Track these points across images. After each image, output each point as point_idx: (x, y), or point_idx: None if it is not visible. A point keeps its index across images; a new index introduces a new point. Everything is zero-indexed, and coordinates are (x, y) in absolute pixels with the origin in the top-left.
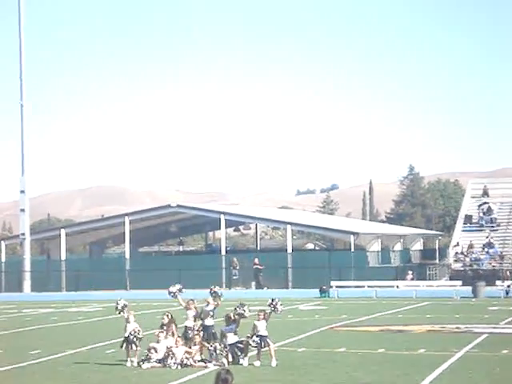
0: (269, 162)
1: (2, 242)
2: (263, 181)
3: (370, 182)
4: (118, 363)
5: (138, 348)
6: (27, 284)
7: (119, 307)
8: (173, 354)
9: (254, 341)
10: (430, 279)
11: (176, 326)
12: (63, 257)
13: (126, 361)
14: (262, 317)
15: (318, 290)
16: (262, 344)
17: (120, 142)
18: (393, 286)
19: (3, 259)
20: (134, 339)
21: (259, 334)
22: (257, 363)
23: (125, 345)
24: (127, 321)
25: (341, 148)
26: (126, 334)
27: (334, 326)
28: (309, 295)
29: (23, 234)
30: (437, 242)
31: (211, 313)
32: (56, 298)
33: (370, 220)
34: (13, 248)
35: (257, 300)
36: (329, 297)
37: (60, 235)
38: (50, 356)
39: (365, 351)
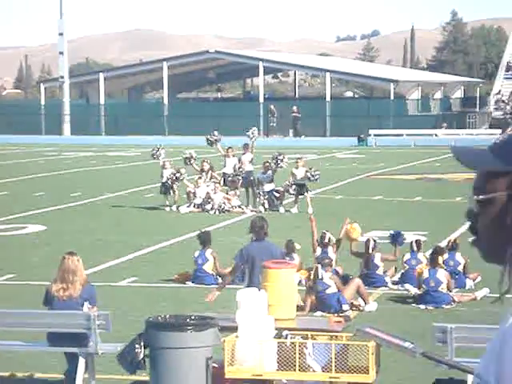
0: (308, 7)
1: (42, 84)
2: (302, 26)
3: (412, 28)
4: (157, 207)
5: (177, 193)
6: (67, 127)
7: (156, 153)
8: (211, 199)
9: (293, 189)
10: (469, 127)
11: (214, 172)
12: (102, 101)
13: (165, 206)
14: (301, 164)
15: (356, 139)
16: (300, 191)
17: None
18: (432, 135)
19: (43, 102)
20: (172, 184)
21: (297, 181)
22: (294, 210)
23: (163, 190)
24: (163, 167)
25: None
26: (164, 180)
27: (372, 174)
28: (347, 143)
29: (62, 77)
30: (478, 89)
31: (249, 158)
32: (95, 142)
33: (411, 67)
34: (52, 91)
35: (294, 148)
36: (367, 145)
37: (99, 79)
38: (90, 199)
39: (401, 199)
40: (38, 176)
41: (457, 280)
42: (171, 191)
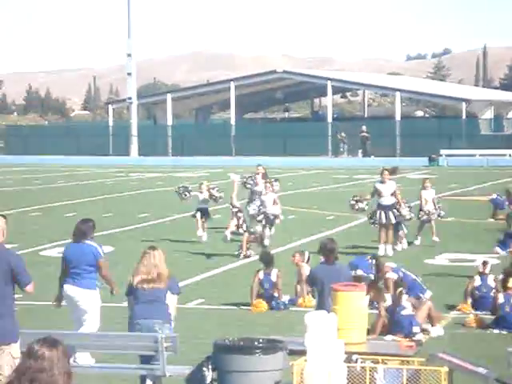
0: (378, 26)
1: (110, 105)
2: (372, 45)
3: (484, 47)
4: (224, 228)
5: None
6: (134, 148)
7: (182, 193)
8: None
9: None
10: None
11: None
12: (169, 122)
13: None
14: (429, 185)
15: (426, 159)
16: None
17: (228, 6)
18: (505, 155)
19: (111, 123)
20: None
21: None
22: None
23: (199, 214)
24: (200, 191)
25: (454, 9)
26: (200, 206)
27: (444, 195)
28: (417, 164)
29: (130, 98)
30: None
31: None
32: (162, 163)
33: (483, 86)
34: (119, 112)
35: (364, 168)
36: (438, 165)
37: (166, 100)
38: (158, 220)
39: (473, 221)
40: (106, 197)
41: None
42: (206, 216)
